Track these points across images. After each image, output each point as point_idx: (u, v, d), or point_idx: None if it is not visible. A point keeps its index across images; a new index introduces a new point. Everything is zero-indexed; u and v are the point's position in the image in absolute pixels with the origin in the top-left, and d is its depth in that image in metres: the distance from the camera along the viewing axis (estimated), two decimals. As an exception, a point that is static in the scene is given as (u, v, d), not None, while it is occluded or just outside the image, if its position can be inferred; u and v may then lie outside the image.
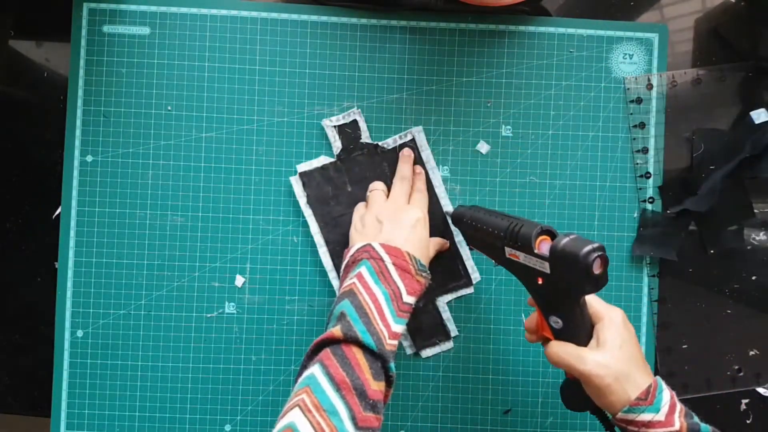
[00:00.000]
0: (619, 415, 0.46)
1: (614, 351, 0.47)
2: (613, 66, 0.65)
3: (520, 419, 0.64)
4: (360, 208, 0.62)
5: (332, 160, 0.64)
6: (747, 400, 0.65)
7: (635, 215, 0.65)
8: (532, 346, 0.64)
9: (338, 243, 0.64)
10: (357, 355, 0.47)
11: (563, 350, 0.48)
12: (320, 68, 0.65)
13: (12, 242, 0.66)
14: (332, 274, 0.64)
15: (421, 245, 0.56)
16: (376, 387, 0.47)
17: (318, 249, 0.64)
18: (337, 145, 0.64)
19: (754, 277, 0.66)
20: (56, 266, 0.64)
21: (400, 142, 0.65)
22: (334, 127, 0.64)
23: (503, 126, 0.65)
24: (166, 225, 0.64)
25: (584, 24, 0.65)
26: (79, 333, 0.64)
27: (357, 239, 0.57)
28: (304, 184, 0.64)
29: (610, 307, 0.50)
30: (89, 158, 0.64)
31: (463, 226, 0.58)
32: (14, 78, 0.66)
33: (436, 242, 0.62)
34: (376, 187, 0.62)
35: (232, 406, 0.64)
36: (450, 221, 0.62)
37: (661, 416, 0.45)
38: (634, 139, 0.65)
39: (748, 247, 0.66)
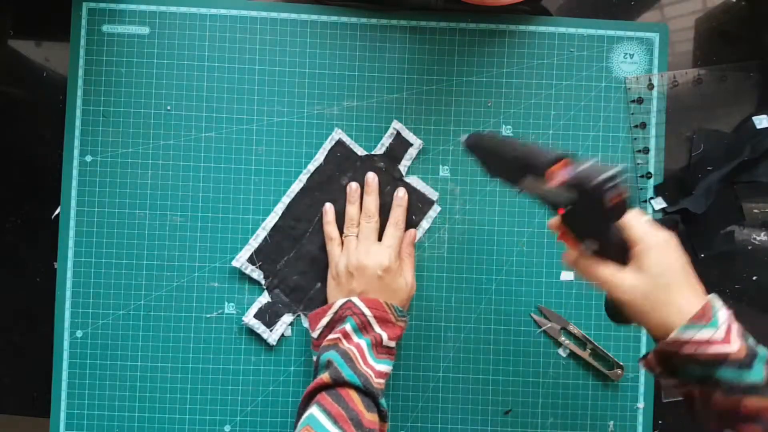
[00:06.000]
0: (670, 337, 0.43)
1: (650, 276, 0.44)
2: (613, 66, 0.65)
3: (520, 419, 0.64)
4: (334, 249, 0.62)
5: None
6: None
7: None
8: (532, 346, 0.64)
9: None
10: (349, 392, 0.52)
11: (600, 269, 0.46)
12: (320, 68, 0.65)
13: (11, 242, 0.66)
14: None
15: (397, 292, 0.59)
16: (370, 417, 0.51)
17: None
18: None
19: (754, 278, 0.65)
20: (55, 266, 0.64)
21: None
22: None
23: (503, 126, 0.65)
24: (165, 225, 0.64)
25: (585, 23, 0.65)
26: (79, 333, 0.64)
27: (334, 292, 0.61)
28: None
29: (654, 230, 0.46)
30: (88, 158, 0.64)
31: (479, 153, 0.54)
32: (13, 78, 0.66)
33: (409, 270, 0.62)
34: (332, 226, 0.63)
35: (232, 407, 0.64)
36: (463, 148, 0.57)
37: (720, 334, 0.42)
38: (635, 139, 0.65)
39: (749, 247, 0.65)
